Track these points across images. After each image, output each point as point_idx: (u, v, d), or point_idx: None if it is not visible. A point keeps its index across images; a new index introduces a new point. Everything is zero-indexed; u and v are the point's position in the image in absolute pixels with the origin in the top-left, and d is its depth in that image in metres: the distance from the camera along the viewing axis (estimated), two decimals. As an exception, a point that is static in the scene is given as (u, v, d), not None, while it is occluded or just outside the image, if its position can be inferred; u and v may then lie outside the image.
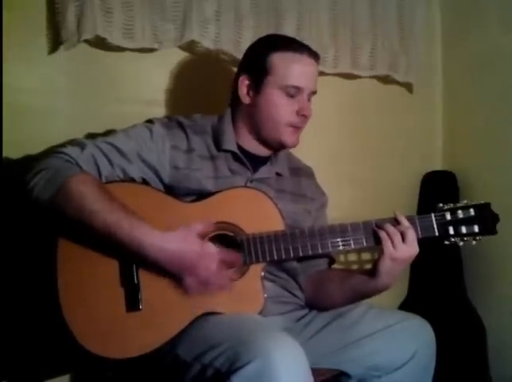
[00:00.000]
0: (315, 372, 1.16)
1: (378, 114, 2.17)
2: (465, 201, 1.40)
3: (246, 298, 1.29)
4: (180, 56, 1.76)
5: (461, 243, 1.39)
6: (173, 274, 1.22)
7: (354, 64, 2.03)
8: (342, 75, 2.05)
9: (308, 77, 1.41)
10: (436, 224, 1.37)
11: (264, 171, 1.45)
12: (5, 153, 1.47)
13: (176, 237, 1.20)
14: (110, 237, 1.18)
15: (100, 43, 1.60)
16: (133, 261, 1.23)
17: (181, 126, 1.41)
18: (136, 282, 1.24)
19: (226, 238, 1.32)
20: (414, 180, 2.27)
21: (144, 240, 1.17)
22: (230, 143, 1.43)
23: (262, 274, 1.32)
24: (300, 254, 1.34)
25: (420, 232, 1.35)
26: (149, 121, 1.40)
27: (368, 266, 1.93)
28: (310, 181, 1.58)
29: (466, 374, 2.02)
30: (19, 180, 1.24)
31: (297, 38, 1.52)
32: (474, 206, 1.38)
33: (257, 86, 1.41)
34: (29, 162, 1.30)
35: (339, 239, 1.35)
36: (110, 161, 1.30)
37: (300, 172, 1.57)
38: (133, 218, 1.19)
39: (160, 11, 1.65)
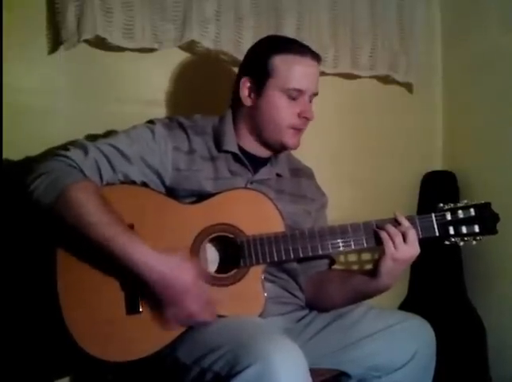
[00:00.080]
0: (315, 372, 1.17)
1: (378, 114, 2.17)
2: (465, 201, 1.40)
3: (247, 299, 1.29)
4: (180, 56, 1.76)
5: (461, 243, 1.39)
6: (159, 298, 1.19)
7: (354, 64, 2.03)
8: (342, 75, 2.04)
9: (309, 79, 1.41)
10: (437, 224, 1.37)
11: (264, 172, 1.45)
12: (5, 154, 1.47)
13: (171, 262, 1.18)
14: (107, 250, 1.17)
15: (100, 43, 1.60)
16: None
17: (182, 126, 1.41)
18: (136, 285, 1.22)
19: (226, 240, 1.32)
20: (414, 180, 2.27)
21: (138, 258, 1.17)
22: (230, 144, 1.42)
23: (263, 275, 1.32)
24: (301, 255, 1.33)
25: (420, 232, 1.35)
26: (150, 121, 1.40)
27: (368, 266, 1.94)
28: (310, 181, 1.58)
29: (466, 374, 2.02)
30: (19, 181, 1.24)
31: (297, 38, 1.52)
32: (474, 206, 1.38)
33: (258, 88, 1.41)
34: (29, 163, 1.30)
35: (339, 240, 1.35)
36: (112, 165, 1.29)
37: (300, 173, 1.57)
38: (130, 234, 1.19)
39: (160, 11, 1.65)
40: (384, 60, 2.09)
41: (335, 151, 2.07)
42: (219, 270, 1.34)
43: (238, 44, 1.78)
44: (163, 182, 1.35)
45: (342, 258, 2.01)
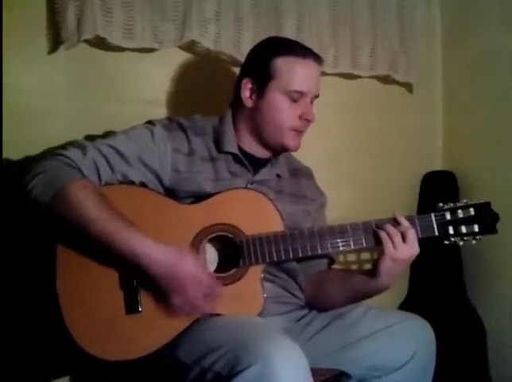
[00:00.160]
0: (315, 372, 1.16)
1: (378, 114, 2.17)
2: (465, 201, 1.40)
3: (246, 299, 1.29)
4: (180, 56, 1.76)
5: (461, 243, 1.39)
6: (163, 289, 1.20)
7: (354, 64, 2.03)
8: (342, 75, 2.04)
9: (311, 82, 1.41)
10: (436, 223, 1.37)
11: (264, 173, 1.45)
12: (5, 154, 1.47)
13: (172, 253, 1.19)
14: (108, 245, 1.18)
15: (100, 43, 1.60)
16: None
17: (182, 127, 1.41)
18: (135, 284, 1.24)
19: (226, 239, 1.32)
20: (414, 180, 2.27)
21: (139, 250, 1.17)
22: (231, 145, 1.42)
23: (262, 275, 1.32)
24: (300, 255, 1.34)
25: (420, 232, 1.35)
26: (150, 122, 1.40)
27: (367, 266, 1.94)
28: (309, 181, 1.58)
29: (466, 374, 2.02)
30: (18, 180, 1.24)
31: (297, 38, 1.53)
32: (474, 205, 1.38)
33: (260, 90, 1.41)
34: (29, 162, 1.30)
35: (338, 240, 1.35)
36: (110, 165, 1.29)
37: (300, 173, 1.57)
38: (131, 228, 1.19)
39: (160, 11, 1.65)
40: (384, 60, 2.09)
41: (335, 151, 2.07)
42: (218, 270, 1.34)
43: (238, 44, 1.78)
44: (162, 183, 1.35)
45: (341, 257, 2.01)
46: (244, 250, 1.30)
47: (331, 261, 1.54)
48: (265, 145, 1.45)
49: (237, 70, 1.55)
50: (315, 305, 1.47)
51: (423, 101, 2.27)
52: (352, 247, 1.35)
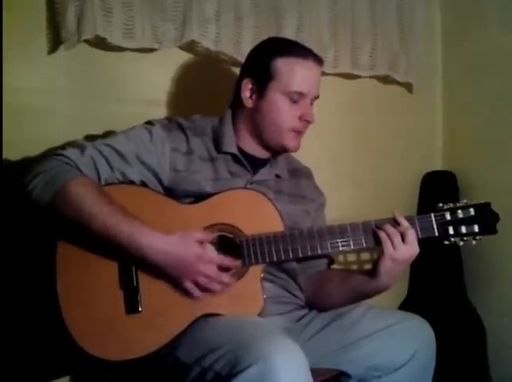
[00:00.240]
0: (315, 372, 1.16)
1: (378, 114, 2.17)
2: (465, 201, 1.40)
3: (246, 299, 1.29)
4: (180, 56, 1.76)
5: (461, 243, 1.38)
6: (172, 277, 1.22)
7: (354, 64, 2.03)
8: (342, 75, 2.04)
9: (311, 83, 1.41)
10: (436, 224, 1.36)
11: (264, 173, 1.45)
12: (5, 154, 1.47)
13: (176, 240, 1.21)
14: (110, 240, 1.18)
15: (100, 43, 1.60)
16: (132, 263, 1.23)
17: (181, 127, 1.41)
18: (135, 284, 1.24)
19: (226, 239, 1.32)
20: (414, 180, 2.27)
21: (143, 242, 1.18)
22: (230, 145, 1.42)
23: (262, 275, 1.32)
24: (300, 255, 1.34)
25: (420, 232, 1.35)
26: (149, 122, 1.40)
27: (367, 266, 1.94)
28: (309, 181, 1.58)
29: (466, 374, 2.02)
30: (18, 181, 1.24)
31: (297, 38, 1.54)
32: (474, 206, 1.38)
33: (260, 90, 1.41)
34: (29, 163, 1.30)
35: (338, 240, 1.34)
36: (109, 164, 1.30)
37: (299, 173, 1.57)
38: (133, 220, 1.20)
39: (160, 11, 1.65)
40: (384, 60, 2.09)
41: (335, 151, 2.07)
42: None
43: (238, 45, 1.78)
44: (161, 182, 1.35)
45: (341, 257, 2.01)
46: (244, 250, 1.30)
47: (331, 261, 1.54)
48: (265, 145, 1.45)
49: (237, 70, 1.55)
50: (315, 305, 1.47)
51: (423, 101, 2.27)
52: (352, 247, 1.35)
